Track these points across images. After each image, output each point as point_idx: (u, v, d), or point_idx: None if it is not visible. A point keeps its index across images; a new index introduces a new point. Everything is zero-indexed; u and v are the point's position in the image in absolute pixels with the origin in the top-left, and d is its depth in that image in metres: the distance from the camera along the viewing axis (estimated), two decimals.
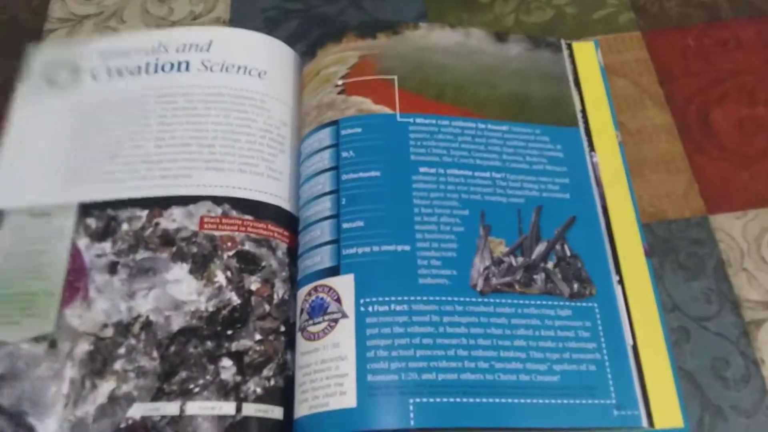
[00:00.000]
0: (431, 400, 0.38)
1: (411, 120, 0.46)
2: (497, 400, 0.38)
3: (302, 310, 0.42)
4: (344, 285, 0.41)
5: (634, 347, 0.41)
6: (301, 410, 0.39)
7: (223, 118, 0.47)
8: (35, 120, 0.49)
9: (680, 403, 0.39)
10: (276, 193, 0.46)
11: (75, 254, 0.44)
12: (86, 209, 0.45)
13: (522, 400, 0.38)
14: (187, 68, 0.49)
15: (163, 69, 0.50)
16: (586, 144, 0.47)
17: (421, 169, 0.44)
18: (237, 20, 0.57)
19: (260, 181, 0.46)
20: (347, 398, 0.38)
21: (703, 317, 0.43)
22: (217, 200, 0.45)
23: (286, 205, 0.46)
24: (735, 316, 0.43)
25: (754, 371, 0.41)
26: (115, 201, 0.45)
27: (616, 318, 0.42)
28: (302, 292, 0.42)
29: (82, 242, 0.44)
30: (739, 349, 0.42)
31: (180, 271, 0.43)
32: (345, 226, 0.43)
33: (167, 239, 0.44)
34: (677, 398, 0.39)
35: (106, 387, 0.40)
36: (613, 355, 0.40)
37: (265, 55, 0.51)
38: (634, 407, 0.39)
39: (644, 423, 0.39)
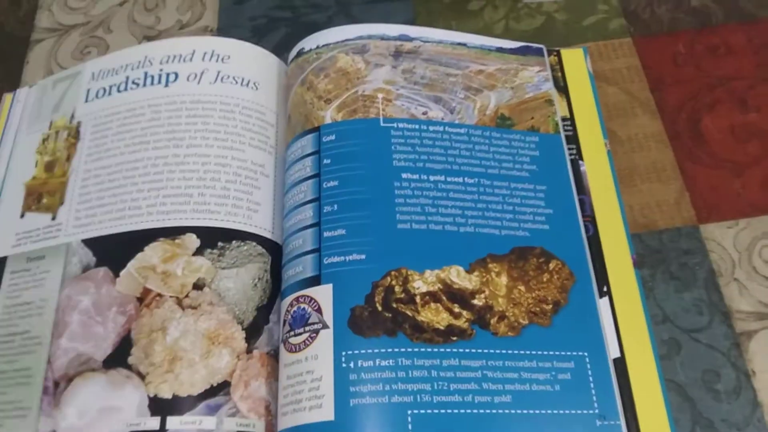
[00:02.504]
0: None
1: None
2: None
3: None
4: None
5: (622, 359, 0.40)
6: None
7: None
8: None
9: (669, 417, 0.39)
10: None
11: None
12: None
13: (511, 411, 0.38)
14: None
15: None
16: (566, 151, 0.47)
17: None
18: (224, 29, 0.57)
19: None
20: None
21: (694, 329, 0.42)
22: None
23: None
24: (726, 327, 0.42)
25: (746, 383, 0.41)
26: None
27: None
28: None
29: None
30: (730, 361, 0.41)
31: None
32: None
33: None
34: (666, 411, 0.39)
35: None
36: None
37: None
38: (616, 417, 0.38)
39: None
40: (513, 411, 0.38)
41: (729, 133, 0.49)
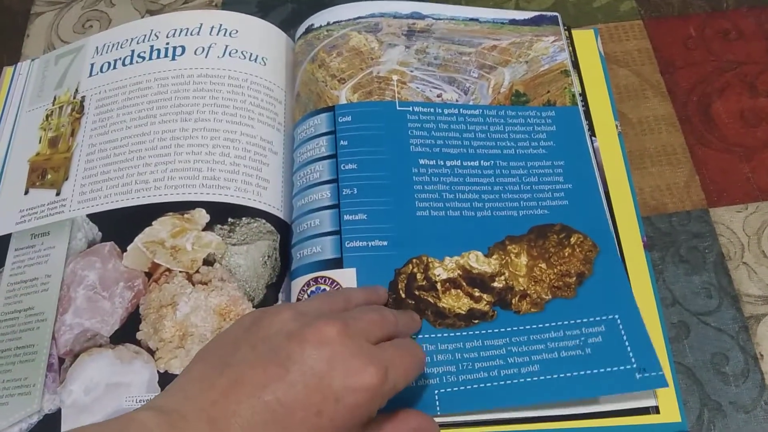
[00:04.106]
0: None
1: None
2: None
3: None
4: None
5: None
6: None
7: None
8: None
9: (678, 398, 0.39)
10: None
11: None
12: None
13: (540, 377, 0.38)
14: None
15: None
16: (584, 123, 0.46)
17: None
18: (229, 4, 0.56)
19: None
20: None
21: (703, 312, 0.42)
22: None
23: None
24: (735, 310, 0.42)
25: (753, 366, 0.41)
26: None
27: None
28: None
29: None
30: (738, 344, 0.41)
31: None
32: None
33: None
34: (675, 393, 0.39)
35: None
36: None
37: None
38: (657, 368, 0.37)
39: (669, 382, 0.38)
40: (542, 377, 0.38)
41: (739, 118, 0.48)
